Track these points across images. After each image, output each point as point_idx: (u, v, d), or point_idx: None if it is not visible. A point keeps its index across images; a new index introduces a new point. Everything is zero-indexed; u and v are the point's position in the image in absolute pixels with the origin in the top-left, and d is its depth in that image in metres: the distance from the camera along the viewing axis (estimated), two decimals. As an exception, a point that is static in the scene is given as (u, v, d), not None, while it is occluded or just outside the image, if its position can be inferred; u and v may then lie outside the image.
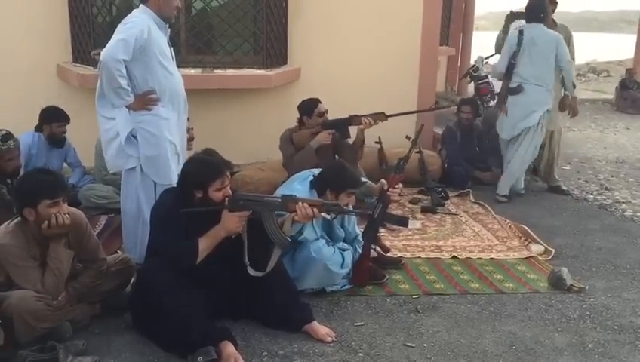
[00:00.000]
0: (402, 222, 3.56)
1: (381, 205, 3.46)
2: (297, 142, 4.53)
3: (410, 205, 5.14)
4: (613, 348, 2.91)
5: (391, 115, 4.57)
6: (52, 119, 4.73)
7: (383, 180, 3.55)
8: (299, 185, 3.36)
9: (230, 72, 5.53)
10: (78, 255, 2.87)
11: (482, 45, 10.77)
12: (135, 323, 2.89)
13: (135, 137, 3.39)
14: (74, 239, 2.80)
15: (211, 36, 5.77)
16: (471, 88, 9.72)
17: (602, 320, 3.18)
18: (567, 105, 5.49)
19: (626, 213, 5.13)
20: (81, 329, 2.87)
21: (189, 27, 5.64)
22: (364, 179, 3.66)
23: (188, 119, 4.41)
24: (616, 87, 11.82)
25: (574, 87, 5.31)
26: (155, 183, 3.44)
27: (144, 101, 3.33)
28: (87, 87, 5.01)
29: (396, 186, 3.50)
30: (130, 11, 3.44)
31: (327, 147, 4.52)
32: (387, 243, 4.16)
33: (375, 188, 3.52)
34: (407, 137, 3.90)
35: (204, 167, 2.84)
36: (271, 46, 5.68)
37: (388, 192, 3.48)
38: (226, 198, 2.83)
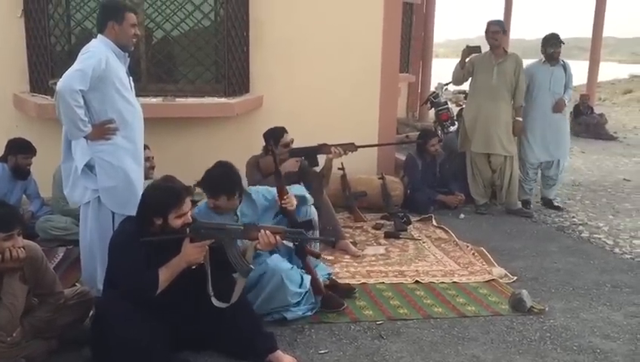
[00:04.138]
0: (310, 225, 3.49)
1: (289, 218, 3.45)
2: (264, 169, 4.51)
3: (374, 230, 5.17)
4: (573, 369, 2.96)
5: (361, 146, 4.60)
6: (18, 150, 4.65)
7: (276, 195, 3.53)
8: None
9: (192, 100, 5.52)
10: (34, 289, 2.78)
11: (442, 72, 11.02)
12: (94, 358, 2.81)
13: (92, 168, 3.34)
14: (29, 273, 2.72)
15: (172, 65, 5.76)
16: (432, 114, 9.91)
17: (562, 341, 3.23)
18: (518, 128, 5.83)
19: (582, 235, 5.26)
20: (38, 366, 2.78)
21: (149, 56, 5.63)
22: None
23: (148, 148, 4.40)
24: (571, 113, 12.19)
25: None
26: (114, 214, 3.39)
27: (102, 130, 3.29)
28: (45, 117, 4.95)
29: (285, 197, 3.46)
30: (89, 40, 3.42)
31: (293, 174, 4.52)
32: (351, 270, 4.20)
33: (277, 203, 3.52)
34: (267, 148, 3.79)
35: (164, 194, 2.81)
36: (232, 74, 5.70)
37: (282, 205, 3.45)
38: (187, 226, 2.81)
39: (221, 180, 3.31)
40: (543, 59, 5.94)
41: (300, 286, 3.33)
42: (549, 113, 5.90)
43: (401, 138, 5.71)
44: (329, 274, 3.83)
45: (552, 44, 5.87)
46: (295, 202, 3.50)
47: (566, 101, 5.95)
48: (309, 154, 4.60)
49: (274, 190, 3.55)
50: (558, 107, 5.90)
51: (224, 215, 3.37)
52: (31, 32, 5.36)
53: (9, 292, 2.63)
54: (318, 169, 4.77)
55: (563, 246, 4.89)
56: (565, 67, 5.96)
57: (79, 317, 3.01)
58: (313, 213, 3.72)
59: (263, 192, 3.62)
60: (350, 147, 4.60)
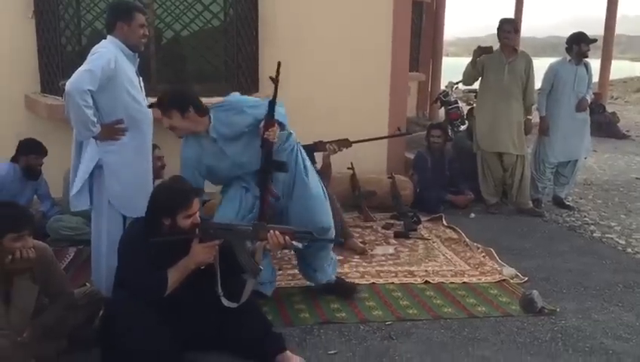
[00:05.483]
0: (282, 167, 3.38)
1: (265, 151, 3.30)
2: None
3: (383, 230, 5.15)
4: (584, 370, 2.93)
5: (355, 141, 4.61)
6: (29, 151, 4.67)
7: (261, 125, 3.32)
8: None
9: (201, 100, 5.50)
10: (44, 289, 2.80)
11: (452, 71, 10.96)
12: (104, 359, 2.81)
13: (101, 169, 3.35)
14: (39, 273, 2.73)
15: (182, 65, 5.77)
16: (442, 113, 9.88)
17: (574, 342, 3.20)
18: (529, 127, 5.82)
19: (594, 235, 5.21)
20: (48, 366, 2.79)
21: (159, 56, 5.64)
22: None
23: (158, 147, 4.41)
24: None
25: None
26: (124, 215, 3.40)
27: (111, 131, 3.30)
28: (56, 117, 4.97)
29: (270, 129, 3.24)
30: (100, 41, 3.43)
31: None
32: (361, 270, 4.19)
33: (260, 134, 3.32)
34: (271, 78, 3.55)
35: (172, 195, 2.81)
36: (242, 74, 5.70)
37: (264, 136, 3.26)
38: (196, 227, 2.81)
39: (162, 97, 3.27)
40: (568, 57, 5.87)
41: None
42: (572, 112, 5.88)
43: (394, 132, 5.69)
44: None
45: (587, 42, 5.81)
46: (277, 137, 3.30)
47: (588, 100, 5.96)
48: (306, 152, 4.59)
49: (263, 110, 3.31)
50: (581, 106, 5.90)
51: (200, 137, 3.31)
52: (42, 33, 5.39)
53: (19, 292, 2.64)
54: (317, 167, 4.77)
55: (574, 246, 4.85)
56: (587, 66, 5.93)
57: (89, 317, 3.01)
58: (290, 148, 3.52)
59: (248, 108, 3.36)
60: (344, 143, 4.59)
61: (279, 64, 3.27)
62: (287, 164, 3.41)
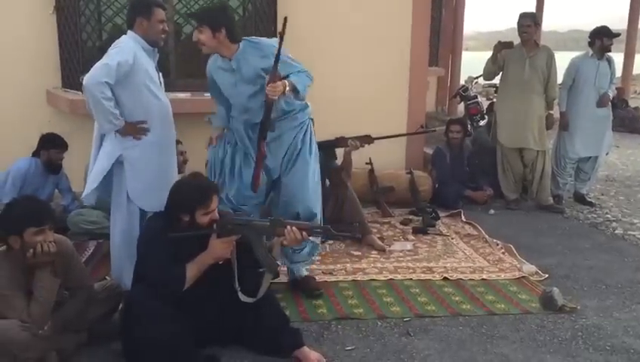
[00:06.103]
0: (271, 126, 3.31)
1: (265, 105, 3.25)
2: None
3: (402, 226, 5.13)
4: (605, 369, 2.89)
5: (377, 138, 4.59)
6: (50, 145, 4.73)
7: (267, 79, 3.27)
8: None
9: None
10: (64, 282, 2.83)
11: (472, 65, 10.86)
12: (124, 353, 2.84)
13: (120, 164, 3.37)
14: (60, 267, 2.77)
15: (201, 60, 5.76)
16: (461, 108, 9.79)
17: (594, 341, 3.16)
18: (551, 122, 5.75)
19: (616, 232, 5.14)
20: (68, 359, 2.82)
21: (178, 51, 5.66)
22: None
23: (181, 143, 4.44)
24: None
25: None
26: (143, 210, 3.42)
27: (134, 129, 3.32)
28: (77, 112, 5.02)
29: (271, 84, 3.15)
30: (120, 37, 3.45)
31: None
32: (379, 266, 4.17)
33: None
34: (279, 33, 3.50)
35: (191, 191, 2.83)
36: (260, 69, 5.69)
37: (266, 90, 3.18)
38: (214, 223, 2.82)
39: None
40: (591, 52, 5.79)
41: None
42: (593, 108, 5.80)
43: (417, 129, 5.68)
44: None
45: (610, 36, 5.72)
46: (279, 93, 3.16)
47: (610, 96, 5.88)
48: (326, 147, 4.58)
49: (287, 67, 3.32)
50: (602, 102, 5.82)
51: (220, 62, 3.40)
52: (63, 29, 5.43)
53: (41, 286, 2.68)
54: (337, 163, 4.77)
55: (596, 243, 4.79)
56: (610, 61, 5.84)
57: (109, 311, 3.05)
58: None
59: (273, 55, 3.23)
60: (366, 139, 4.57)
61: (285, 19, 3.19)
62: (275, 125, 3.34)
